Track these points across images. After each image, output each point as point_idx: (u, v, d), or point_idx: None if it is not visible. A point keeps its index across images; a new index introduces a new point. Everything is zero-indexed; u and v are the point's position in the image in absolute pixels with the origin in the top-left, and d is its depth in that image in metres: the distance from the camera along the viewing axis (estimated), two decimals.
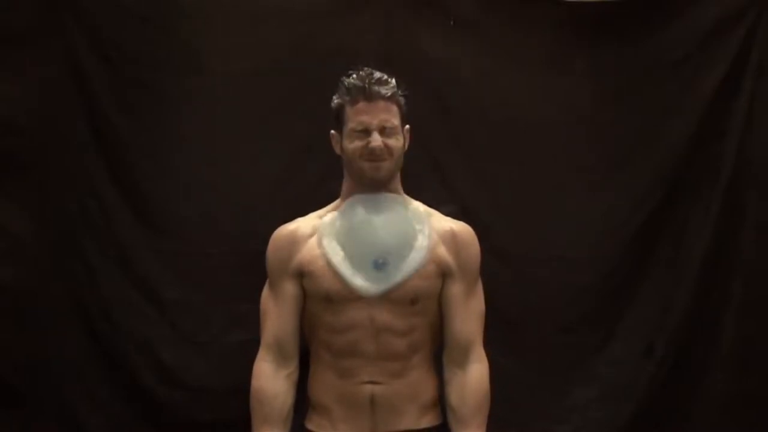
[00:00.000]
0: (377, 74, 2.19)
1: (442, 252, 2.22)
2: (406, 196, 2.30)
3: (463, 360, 2.21)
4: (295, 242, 2.23)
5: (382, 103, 2.16)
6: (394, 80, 2.21)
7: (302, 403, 2.26)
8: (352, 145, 2.19)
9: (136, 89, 2.76)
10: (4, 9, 2.64)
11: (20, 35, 2.67)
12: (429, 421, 2.23)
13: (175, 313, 2.75)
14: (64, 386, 2.67)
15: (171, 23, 2.77)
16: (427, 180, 2.73)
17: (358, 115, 2.17)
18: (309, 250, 2.21)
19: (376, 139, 2.16)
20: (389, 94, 2.17)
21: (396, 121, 2.19)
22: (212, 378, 2.72)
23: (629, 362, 2.84)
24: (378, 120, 2.16)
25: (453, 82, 2.84)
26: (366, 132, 2.17)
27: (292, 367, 2.21)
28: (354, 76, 2.20)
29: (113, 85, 2.74)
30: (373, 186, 2.22)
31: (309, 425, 2.25)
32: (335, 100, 2.23)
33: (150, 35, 2.76)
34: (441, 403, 2.25)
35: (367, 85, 2.16)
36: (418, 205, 2.30)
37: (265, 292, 2.26)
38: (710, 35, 2.84)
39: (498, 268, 2.69)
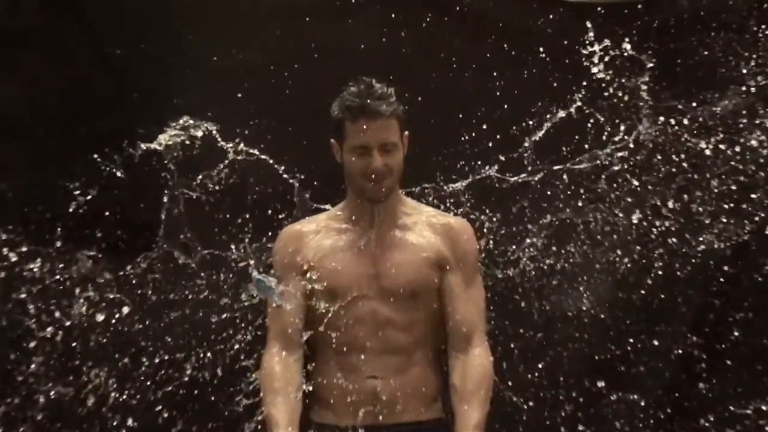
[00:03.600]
0: (377, 88, 2.18)
1: (438, 245, 2.26)
2: (403, 197, 2.32)
3: (465, 346, 2.24)
4: (301, 240, 2.28)
5: (382, 121, 2.16)
6: (393, 92, 2.19)
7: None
8: (353, 162, 2.20)
9: (136, 89, 2.78)
10: (4, 9, 2.66)
11: (20, 35, 2.68)
12: (431, 414, 2.27)
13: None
14: None
15: (171, 23, 2.79)
16: (426, 179, 2.74)
17: (359, 134, 2.17)
18: (314, 248, 2.26)
19: (377, 160, 2.17)
20: (389, 111, 2.17)
21: (396, 137, 2.19)
22: None
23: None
24: (378, 139, 2.16)
25: (453, 83, 2.85)
26: (366, 149, 2.18)
27: (298, 355, 2.24)
28: (354, 90, 2.19)
29: (113, 85, 2.76)
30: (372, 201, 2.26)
31: (312, 416, 2.28)
32: (335, 112, 2.22)
33: (150, 35, 2.77)
34: (443, 398, 2.28)
35: (367, 103, 2.16)
36: (413, 203, 2.34)
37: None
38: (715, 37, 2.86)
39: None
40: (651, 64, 2.77)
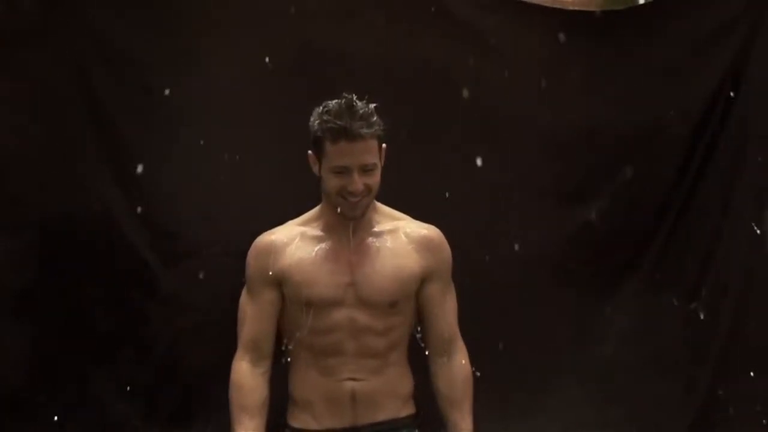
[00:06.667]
0: (358, 108, 2.17)
1: (419, 258, 2.32)
2: (377, 204, 2.34)
3: (447, 351, 2.35)
4: (275, 251, 2.31)
5: (362, 143, 2.17)
6: (373, 110, 2.19)
7: (278, 401, 2.36)
8: (331, 181, 2.22)
9: (137, 89, 2.78)
10: (4, 9, 2.66)
11: (21, 36, 2.68)
12: (406, 411, 2.37)
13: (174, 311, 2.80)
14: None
15: (172, 24, 2.78)
16: (422, 182, 2.77)
17: (339, 156, 2.18)
18: (289, 258, 2.30)
19: (356, 182, 2.19)
20: (369, 134, 2.17)
21: (375, 158, 2.21)
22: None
23: None
24: (358, 162, 2.18)
25: (452, 86, 2.85)
26: (346, 170, 2.19)
27: (267, 366, 2.32)
28: (334, 110, 2.17)
29: (114, 86, 2.76)
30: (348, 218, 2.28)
31: (293, 422, 2.36)
32: (315, 128, 2.21)
33: (151, 36, 2.77)
34: (416, 394, 2.39)
35: (347, 125, 2.15)
36: (386, 211, 2.37)
37: (244, 296, 2.35)
38: (706, 43, 2.87)
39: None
40: None
